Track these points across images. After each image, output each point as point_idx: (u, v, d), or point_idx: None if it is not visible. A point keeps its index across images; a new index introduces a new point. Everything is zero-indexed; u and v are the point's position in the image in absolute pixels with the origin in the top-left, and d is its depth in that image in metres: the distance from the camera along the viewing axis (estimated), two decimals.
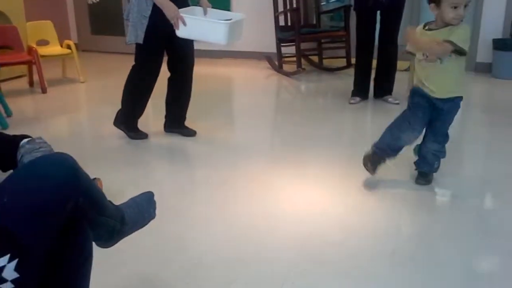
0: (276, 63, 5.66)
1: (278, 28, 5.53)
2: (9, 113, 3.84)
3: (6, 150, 1.37)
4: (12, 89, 4.69)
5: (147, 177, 2.77)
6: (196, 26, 2.91)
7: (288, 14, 5.55)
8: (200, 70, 5.92)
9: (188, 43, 3.16)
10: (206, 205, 2.39)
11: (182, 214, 2.29)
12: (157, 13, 2.90)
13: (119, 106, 3.31)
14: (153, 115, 3.80)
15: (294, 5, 5.50)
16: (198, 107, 4.19)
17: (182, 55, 3.21)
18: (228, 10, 6.32)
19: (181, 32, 2.89)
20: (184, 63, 3.26)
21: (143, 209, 1.57)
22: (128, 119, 3.30)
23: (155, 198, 1.63)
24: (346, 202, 2.41)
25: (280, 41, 5.51)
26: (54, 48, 4.99)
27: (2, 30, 4.59)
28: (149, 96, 3.27)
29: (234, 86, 5.51)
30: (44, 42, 5.00)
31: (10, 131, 3.42)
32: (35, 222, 1.03)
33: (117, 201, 1.46)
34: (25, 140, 1.39)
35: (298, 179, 2.70)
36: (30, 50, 4.60)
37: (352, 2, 4.25)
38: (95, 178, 2.62)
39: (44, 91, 4.57)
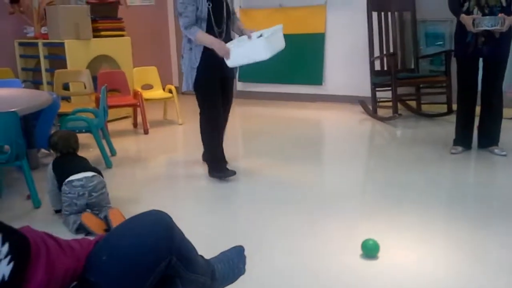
0: (370, 107, 5.54)
1: (373, 72, 5.44)
2: (113, 153, 4.10)
3: None
4: (117, 129, 5.04)
5: (232, 221, 2.77)
6: (239, 53, 3.14)
7: (385, 59, 5.44)
8: (290, 113, 6.03)
9: (232, 90, 3.56)
10: (292, 255, 2.33)
11: (268, 262, 2.25)
12: (205, 64, 3.27)
13: None
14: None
15: (391, 50, 5.39)
16: (287, 151, 4.20)
17: (226, 100, 3.53)
18: (322, 54, 6.37)
19: (230, 62, 3.14)
20: (228, 108, 3.59)
21: (233, 265, 1.56)
22: (211, 161, 3.55)
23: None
24: (455, 267, 2.22)
25: (375, 85, 5.40)
26: (157, 92, 5.31)
27: (111, 75, 4.98)
28: (218, 136, 3.49)
29: (326, 130, 5.45)
30: (148, 86, 5.33)
31: (113, 170, 3.70)
32: (128, 281, 1.04)
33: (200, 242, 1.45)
34: None
35: (392, 232, 2.55)
36: (136, 94, 4.93)
37: (453, 47, 4.06)
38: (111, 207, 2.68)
39: (146, 132, 4.85)
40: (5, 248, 0.92)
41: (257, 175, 3.64)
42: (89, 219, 2.60)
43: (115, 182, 3.50)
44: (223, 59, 3.17)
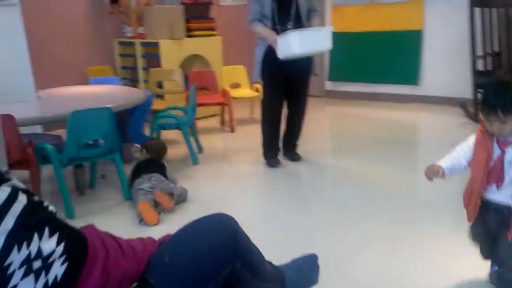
0: (472, 110, 5.13)
1: (475, 72, 5.03)
2: (200, 150, 4.19)
3: None
4: (205, 127, 5.15)
5: (310, 225, 2.68)
6: (279, 44, 3.31)
7: (488, 58, 5.01)
8: (382, 114, 5.77)
9: (304, 87, 3.72)
10: (374, 267, 2.18)
11: (345, 274, 2.13)
12: (267, 59, 3.53)
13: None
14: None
15: (496, 49, 4.95)
16: (377, 154, 4.01)
17: (297, 99, 3.72)
18: (419, 52, 6.03)
19: (296, 50, 3.24)
20: (299, 105, 3.76)
21: (305, 273, 1.48)
22: (265, 148, 3.78)
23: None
24: None
25: (477, 86, 4.99)
26: (245, 91, 5.34)
27: (201, 74, 5.10)
28: (278, 127, 3.73)
29: (420, 133, 5.14)
30: (236, 85, 5.39)
31: (199, 166, 3.77)
32: (189, 286, 1.01)
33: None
34: None
35: None
36: (224, 92, 5.00)
37: None
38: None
39: (232, 130, 4.91)
40: (60, 248, 0.92)
41: (342, 177, 3.52)
42: (144, 209, 2.75)
43: (200, 178, 3.56)
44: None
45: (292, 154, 3.89)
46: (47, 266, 0.91)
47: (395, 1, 6.10)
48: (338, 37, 6.69)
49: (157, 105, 4.59)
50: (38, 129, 4.40)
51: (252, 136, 4.89)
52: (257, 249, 1.26)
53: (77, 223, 2.74)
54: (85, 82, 4.70)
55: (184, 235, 1.13)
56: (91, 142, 3.18)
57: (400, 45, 6.18)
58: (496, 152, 1.72)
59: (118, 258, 1.02)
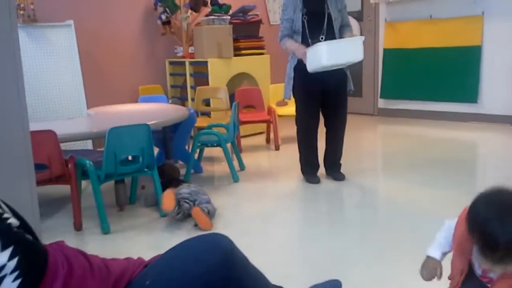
0: None
1: None
2: (242, 167, 4.16)
3: None
4: (251, 144, 5.13)
5: (348, 250, 2.54)
6: (308, 57, 3.26)
7: None
8: (438, 133, 5.49)
9: (341, 104, 3.62)
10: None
11: None
12: (299, 75, 3.50)
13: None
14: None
15: None
16: (429, 176, 3.79)
17: (334, 116, 3.64)
18: (478, 68, 5.73)
19: (325, 61, 3.16)
20: (336, 122, 3.67)
21: None
22: (302, 164, 3.77)
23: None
24: None
25: None
26: (291, 109, 5.24)
27: (248, 91, 5.11)
28: (313, 143, 3.67)
29: (479, 154, 4.84)
30: (283, 103, 5.33)
31: (239, 184, 3.73)
32: None
33: None
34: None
35: None
36: (270, 110, 4.97)
37: None
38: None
39: (277, 148, 4.85)
40: (13, 262, 0.87)
41: (388, 199, 3.35)
42: (198, 214, 2.85)
43: (239, 196, 3.52)
44: (321, 72, 3.32)
45: (336, 173, 3.77)
46: None
47: (453, 16, 5.85)
48: (392, 54, 6.54)
49: (202, 122, 4.63)
50: (89, 145, 4.57)
51: (296, 154, 4.81)
52: (259, 273, 1.18)
53: (113, 238, 2.82)
54: (136, 100, 4.84)
55: (171, 256, 1.07)
56: (130, 158, 3.24)
57: (458, 61, 5.90)
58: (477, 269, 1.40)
59: (85, 278, 0.98)
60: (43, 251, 0.95)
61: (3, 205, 1.02)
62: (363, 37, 3.34)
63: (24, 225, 1.04)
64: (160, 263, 1.05)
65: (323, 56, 3.15)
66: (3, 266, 0.87)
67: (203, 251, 1.04)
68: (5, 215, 0.98)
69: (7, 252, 0.89)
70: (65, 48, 4.40)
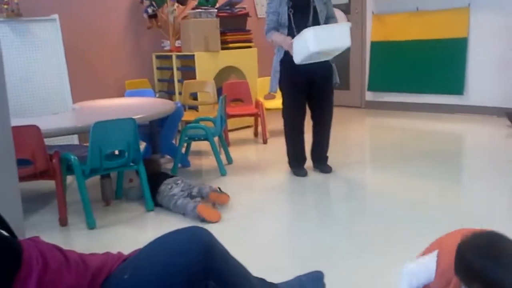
0: None
1: None
2: (230, 161, 4.15)
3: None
4: (239, 138, 5.12)
5: (339, 243, 2.55)
6: (295, 46, 3.25)
7: None
8: (425, 125, 5.53)
9: (327, 97, 3.63)
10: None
11: None
12: (285, 68, 3.51)
13: None
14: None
15: None
16: (419, 167, 3.81)
17: (320, 109, 3.65)
18: (464, 60, 5.77)
19: (313, 47, 3.12)
20: (322, 115, 3.67)
21: None
22: (289, 157, 3.77)
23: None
24: None
25: None
26: (279, 102, 5.24)
27: (235, 85, 5.10)
28: (300, 136, 3.67)
29: (465, 145, 4.88)
30: (271, 96, 5.33)
31: (226, 177, 3.73)
32: None
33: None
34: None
35: None
36: (257, 104, 4.96)
37: None
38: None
39: (265, 141, 4.85)
40: None
41: (376, 191, 3.37)
42: (203, 210, 2.88)
43: (226, 190, 3.50)
44: (307, 65, 3.32)
45: (323, 166, 3.78)
46: None
47: (440, 8, 5.87)
48: (379, 46, 6.55)
49: (189, 116, 4.61)
50: (75, 140, 4.53)
51: (284, 147, 4.82)
52: (240, 265, 1.18)
53: (100, 233, 2.80)
54: (123, 95, 4.80)
55: (150, 250, 1.07)
56: (116, 153, 3.21)
57: (444, 53, 5.93)
58: None
59: (61, 272, 0.97)
60: (17, 247, 0.94)
61: None
62: (349, 23, 3.35)
63: None
64: (139, 257, 1.05)
65: (310, 42, 3.12)
66: None
67: (183, 244, 1.04)
68: None
69: None
70: (50, 42, 4.35)
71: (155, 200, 3.16)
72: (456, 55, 5.86)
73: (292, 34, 3.42)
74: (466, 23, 5.73)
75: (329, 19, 3.57)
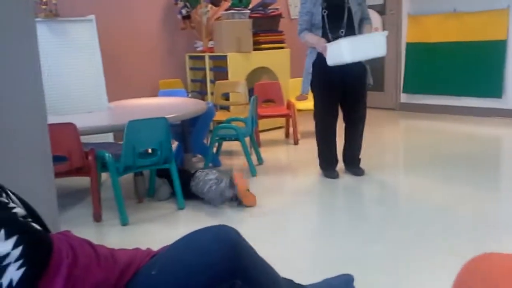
0: None
1: None
2: (260, 161, 4.16)
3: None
4: (270, 138, 5.12)
5: (367, 247, 2.52)
6: (329, 51, 3.25)
7: None
8: (461, 129, 5.39)
9: (360, 99, 3.59)
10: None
11: None
12: (317, 70, 3.49)
13: None
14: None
15: None
16: (452, 172, 3.72)
17: (353, 111, 3.61)
18: (503, 63, 5.60)
19: (348, 58, 3.14)
20: (355, 117, 3.64)
21: None
22: (321, 159, 3.75)
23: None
24: None
25: None
26: (311, 103, 5.22)
27: (267, 86, 5.10)
28: (331, 138, 3.65)
29: (503, 150, 4.73)
30: (302, 97, 5.30)
31: (257, 178, 3.73)
32: None
33: None
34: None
35: None
36: (289, 104, 4.95)
37: None
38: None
39: (296, 142, 4.83)
40: (17, 251, 0.88)
41: (407, 195, 3.31)
42: (242, 192, 3.08)
43: (256, 190, 3.51)
44: (340, 67, 3.29)
45: (355, 169, 3.74)
46: (0, 269, 0.89)
47: (478, 10, 5.72)
48: (414, 48, 6.43)
49: (221, 116, 4.64)
50: (110, 138, 4.63)
51: (315, 149, 4.80)
52: (267, 265, 1.17)
53: (131, 229, 2.85)
54: (156, 94, 4.88)
55: (177, 247, 1.08)
56: (149, 151, 3.27)
57: (482, 56, 5.77)
58: None
59: (91, 267, 0.99)
60: (48, 241, 0.97)
61: (10, 195, 1.04)
62: (386, 32, 3.29)
63: (32, 215, 1.05)
64: (167, 253, 1.06)
65: (345, 52, 3.12)
66: (7, 255, 0.88)
67: (210, 242, 1.04)
68: (11, 205, 1.00)
69: (12, 240, 0.90)
70: (86, 42, 4.45)
71: (188, 189, 3.25)
72: (494, 58, 5.69)
73: (325, 34, 3.40)
74: (506, 25, 5.56)
75: (364, 20, 3.53)
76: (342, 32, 3.38)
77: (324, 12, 3.40)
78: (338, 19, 3.40)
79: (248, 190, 3.15)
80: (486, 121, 5.60)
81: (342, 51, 3.14)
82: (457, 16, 5.90)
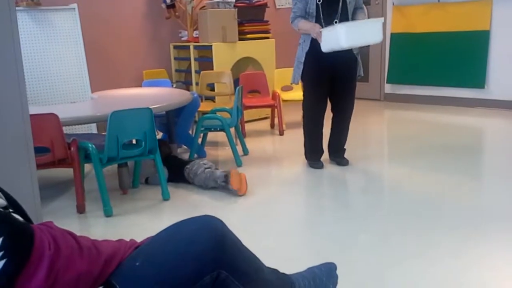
0: None
1: None
2: (246, 152, 4.16)
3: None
4: (255, 129, 5.12)
5: (354, 235, 2.54)
6: (324, 37, 3.22)
7: None
8: (445, 119, 5.45)
9: (350, 90, 3.60)
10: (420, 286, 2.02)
11: None
12: (310, 60, 3.46)
13: None
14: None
15: None
16: (436, 161, 3.77)
17: (342, 102, 3.62)
18: (486, 53, 5.66)
19: (345, 43, 3.11)
20: (343, 108, 3.64)
21: (321, 284, 1.37)
22: (306, 149, 3.75)
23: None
24: None
25: None
26: (296, 94, 5.23)
27: (252, 76, 5.08)
28: (319, 129, 3.65)
29: (486, 140, 4.79)
30: (288, 88, 5.31)
31: (242, 168, 3.73)
32: None
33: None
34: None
35: None
36: (274, 95, 4.95)
37: None
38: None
39: (281, 133, 4.84)
40: None
41: (393, 184, 3.34)
42: (234, 177, 3.14)
43: None
44: (332, 57, 3.30)
45: (340, 159, 3.76)
46: None
47: (462, 0, 5.76)
48: (399, 38, 6.46)
49: (206, 107, 4.62)
50: (94, 129, 4.58)
51: (300, 139, 4.80)
52: (252, 255, 1.17)
53: (116, 221, 2.84)
54: (140, 85, 4.83)
55: (162, 238, 1.07)
56: (133, 142, 3.24)
57: (466, 46, 5.83)
58: None
59: (73, 258, 0.98)
60: (30, 232, 0.94)
61: None
62: (382, 19, 3.30)
63: (14, 205, 1.03)
64: (151, 244, 1.05)
65: (342, 38, 3.09)
66: None
67: (194, 233, 1.03)
68: None
69: None
70: (69, 31, 4.39)
71: (181, 174, 3.37)
72: (477, 48, 5.75)
73: (319, 23, 3.38)
74: (489, 16, 5.61)
75: (357, 9, 3.52)
76: (336, 21, 3.37)
77: (319, 1, 3.37)
78: (332, 8, 3.38)
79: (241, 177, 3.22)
80: (470, 111, 5.67)
81: (339, 36, 3.11)
82: (441, 6, 5.94)
